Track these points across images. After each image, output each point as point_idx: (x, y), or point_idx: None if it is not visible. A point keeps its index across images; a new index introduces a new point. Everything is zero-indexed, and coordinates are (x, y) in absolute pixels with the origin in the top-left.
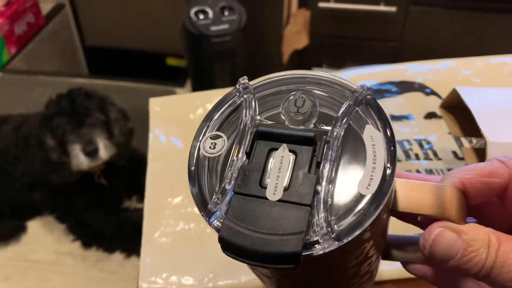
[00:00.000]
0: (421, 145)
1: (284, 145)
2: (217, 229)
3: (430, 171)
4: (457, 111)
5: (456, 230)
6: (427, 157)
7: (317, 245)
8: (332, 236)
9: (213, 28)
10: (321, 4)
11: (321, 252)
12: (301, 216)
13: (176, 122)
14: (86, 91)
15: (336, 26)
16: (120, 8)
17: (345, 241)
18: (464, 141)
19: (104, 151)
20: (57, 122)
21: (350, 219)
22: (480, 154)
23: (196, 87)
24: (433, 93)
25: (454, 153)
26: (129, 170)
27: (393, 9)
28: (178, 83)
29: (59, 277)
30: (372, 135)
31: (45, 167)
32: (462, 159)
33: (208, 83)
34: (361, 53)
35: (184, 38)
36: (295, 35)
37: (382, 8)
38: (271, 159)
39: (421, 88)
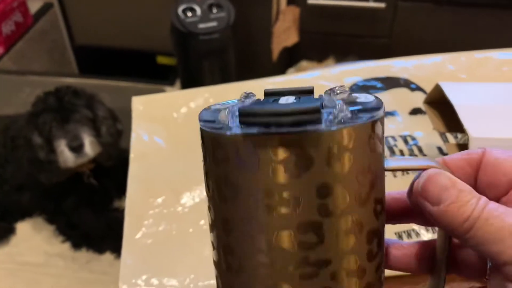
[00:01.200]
0: (406, 141)
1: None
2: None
3: None
4: (441, 106)
5: (452, 179)
6: (412, 153)
7: (332, 116)
8: (348, 113)
9: (201, 25)
10: (310, 1)
11: (336, 126)
12: (315, 102)
13: (159, 121)
14: (75, 89)
15: (326, 23)
16: (110, 7)
17: (360, 120)
18: (450, 136)
19: (90, 147)
20: (44, 119)
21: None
22: (464, 149)
23: (185, 86)
24: (418, 88)
25: (439, 149)
26: (119, 170)
27: (382, 5)
28: (169, 82)
29: (48, 279)
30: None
31: (33, 166)
32: (447, 154)
33: (197, 81)
34: (351, 50)
35: (172, 36)
36: (285, 32)
37: (371, 4)
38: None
39: (406, 84)
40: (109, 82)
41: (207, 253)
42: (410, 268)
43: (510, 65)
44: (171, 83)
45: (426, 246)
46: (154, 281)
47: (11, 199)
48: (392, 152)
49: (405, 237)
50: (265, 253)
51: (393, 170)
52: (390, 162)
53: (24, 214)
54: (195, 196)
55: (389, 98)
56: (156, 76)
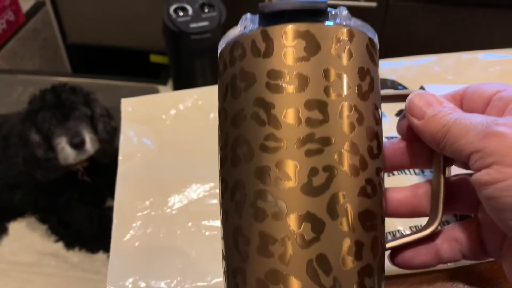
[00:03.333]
0: None
1: None
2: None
3: None
4: None
5: (437, 98)
6: None
7: (337, 17)
8: (350, 20)
9: (193, 25)
10: None
11: (340, 23)
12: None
13: (148, 123)
14: (71, 86)
15: None
16: (102, 5)
17: (360, 29)
18: None
19: (90, 144)
20: (43, 116)
21: None
22: None
23: (177, 85)
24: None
25: None
26: (112, 169)
27: (373, 4)
28: (161, 81)
29: (41, 279)
30: None
31: (29, 164)
32: None
33: (189, 80)
34: None
35: (164, 35)
36: None
37: (362, 3)
38: None
39: (393, 85)
40: (102, 81)
41: (194, 256)
42: (410, 209)
43: (495, 66)
44: (163, 82)
45: (423, 186)
46: (141, 283)
47: (3, 198)
48: None
49: (390, 237)
50: (274, 132)
51: (386, 98)
52: (384, 91)
53: (16, 213)
54: (183, 198)
55: None
56: (149, 74)
